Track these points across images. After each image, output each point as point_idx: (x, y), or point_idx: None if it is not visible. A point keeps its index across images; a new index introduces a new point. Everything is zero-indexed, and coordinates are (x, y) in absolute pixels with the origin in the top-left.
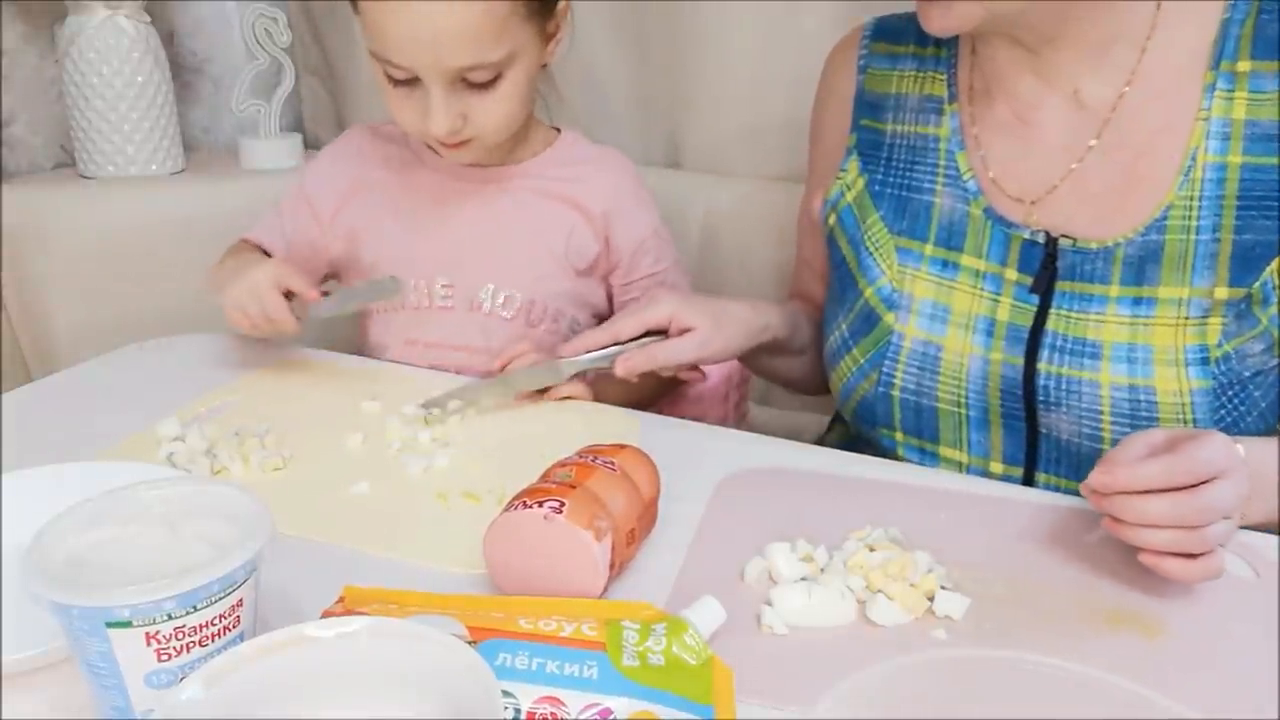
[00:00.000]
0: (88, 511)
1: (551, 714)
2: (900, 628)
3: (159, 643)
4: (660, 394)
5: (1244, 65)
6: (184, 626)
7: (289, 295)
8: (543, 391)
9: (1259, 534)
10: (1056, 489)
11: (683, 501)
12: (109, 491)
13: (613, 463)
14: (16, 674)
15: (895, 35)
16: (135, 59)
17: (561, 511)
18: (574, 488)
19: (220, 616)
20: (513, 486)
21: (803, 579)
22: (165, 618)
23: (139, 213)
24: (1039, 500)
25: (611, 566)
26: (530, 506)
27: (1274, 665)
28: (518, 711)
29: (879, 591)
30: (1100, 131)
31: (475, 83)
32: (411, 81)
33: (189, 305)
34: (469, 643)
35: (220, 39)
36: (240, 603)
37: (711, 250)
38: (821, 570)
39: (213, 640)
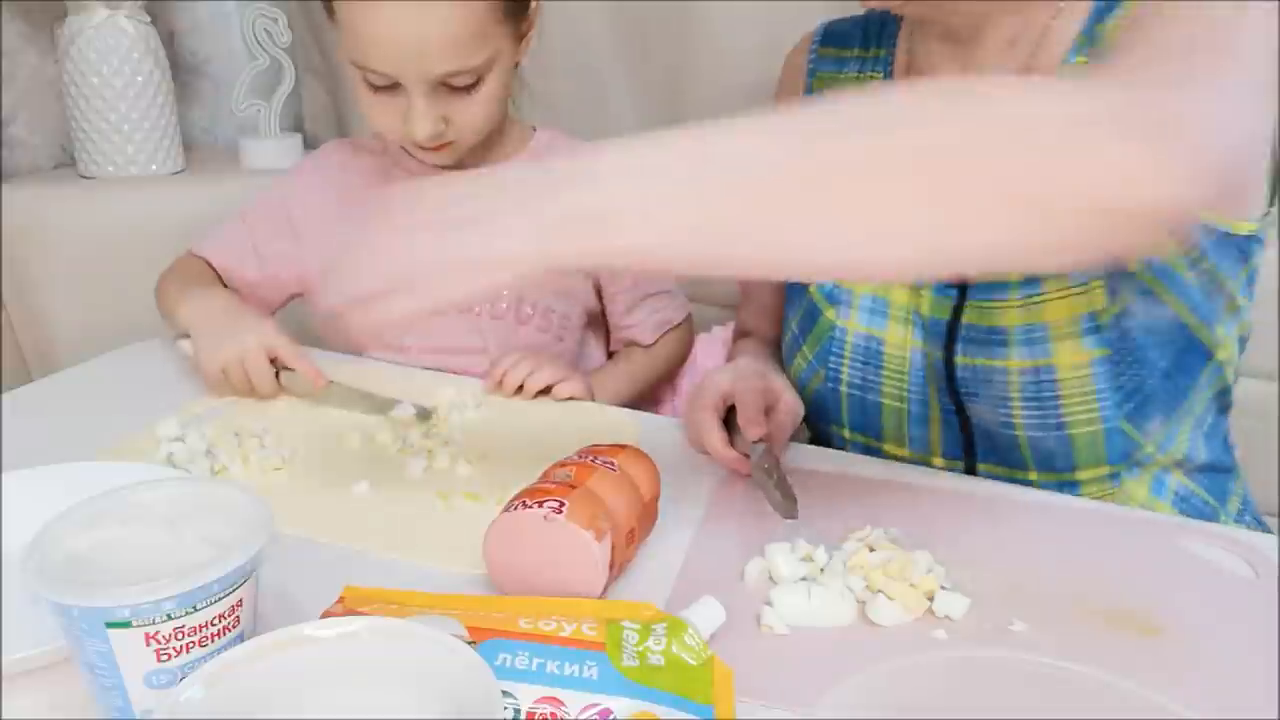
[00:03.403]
0: (88, 511)
1: (551, 714)
2: (900, 628)
3: (159, 643)
4: (657, 386)
5: (1080, 60)
6: (184, 626)
7: (272, 361)
8: (545, 391)
9: (1259, 534)
10: (995, 479)
11: (683, 501)
12: (109, 491)
13: (613, 463)
14: (16, 674)
15: (842, 39)
16: (135, 59)
17: (561, 511)
18: (574, 488)
19: (220, 616)
20: (513, 486)
21: (803, 579)
22: (165, 618)
23: (139, 213)
24: (1039, 500)
25: (611, 566)
26: (530, 506)
27: (1274, 665)
28: (518, 711)
29: (879, 591)
30: None
31: (456, 86)
32: (391, 87)
33: None
34: (469, 643)
35: (220, 39)
36: (240, 603)
37: None
38: (821, 570)
39: (213, 640)
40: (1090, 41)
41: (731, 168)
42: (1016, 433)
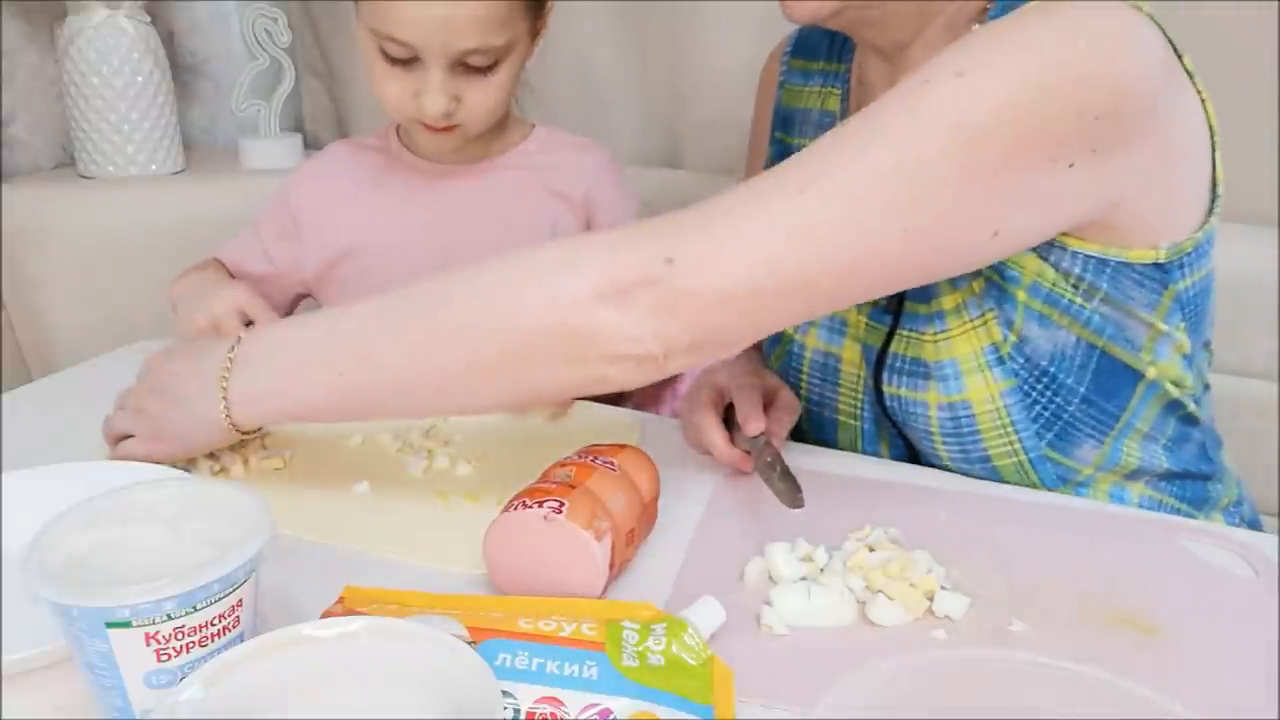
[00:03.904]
0: (88, 511)
1: (551, 714)
2: (900, 628)
3: (159, 643)
4: None
5: None
6: (184, 626)
7: (248, 323)
8: None
9: (1259, 534)
10: None
11: (683, 501)
12: (109, 491)
13: (613, 463)
14: (16, 674)
15: (810, 51)
16: (135, 59)
17: (561, 511)
18: (574, 488)
19: (220, 616)
20: (513, 486)
21: (802, 579)
22: (165, 618)
23: (139, 213)
24: (1039, 500)
25: (611, 566)
26: (530, 506)
27: (1274, 665)
28: (518, 711)
29: (879, 591)
30: None
31: (474, 67)
32: (408, 61)
33: None
34: (469, 643)
35: (220, 39)
36: (240, 603)
37: None
38: (821, 570)
39: (213, 640)
40: None
41: (336, 351)
42: (945, 465)
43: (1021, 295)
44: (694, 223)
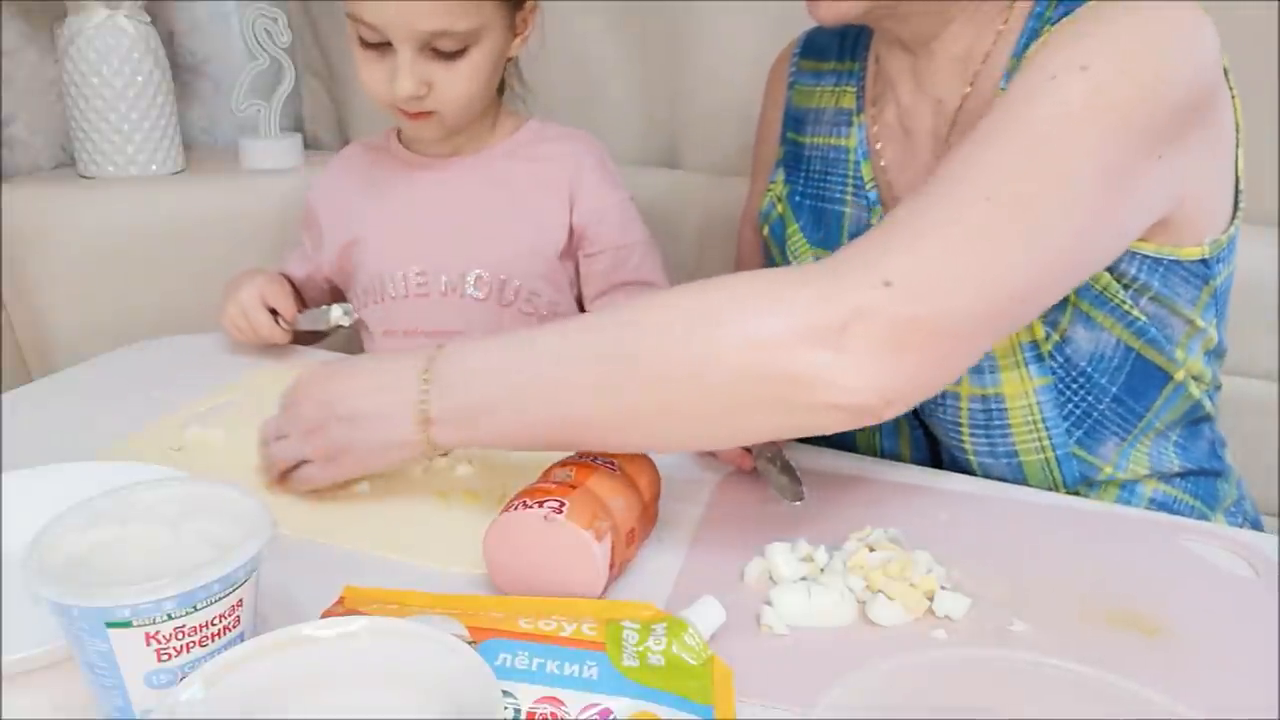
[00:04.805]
0: (88, 511)
1: (551, 714)
2: (900, 628)
3: (159, 643)
4: None
5: (1032, 50)
6: (184, 626)
7: (274, 310)
8: None
9: (1259, 534)
10: None
11: (683, 501)
12: (109, 491)
13: (613, 463)
14: (16, 674)
15: (820, 52)
16: (135, 59)
17: (562, 511)
18: (574, 488)
19: (220, 616)
20: (513, 486)
21: (803, 579)
22: (165, 618)
23: (139, 213)
24: (1039, 500)
25: (611, 566)
26: (530, 506)
27: (1274, 665)
28: (518, 711)
29: (879, 591)
30: (947, 138)
31: (442, 51)
32: (382, 46)
33: (189, 305)
34: (469, 643)
35: (220, 39)
36: (240, 603)
37: (710, 250)
38: (821, 570)
39: (213, 640)
40: (1018, 68)
41: (529, 388)
42: (968, 457)
43: (1071, 296)
44: (896, 243)
